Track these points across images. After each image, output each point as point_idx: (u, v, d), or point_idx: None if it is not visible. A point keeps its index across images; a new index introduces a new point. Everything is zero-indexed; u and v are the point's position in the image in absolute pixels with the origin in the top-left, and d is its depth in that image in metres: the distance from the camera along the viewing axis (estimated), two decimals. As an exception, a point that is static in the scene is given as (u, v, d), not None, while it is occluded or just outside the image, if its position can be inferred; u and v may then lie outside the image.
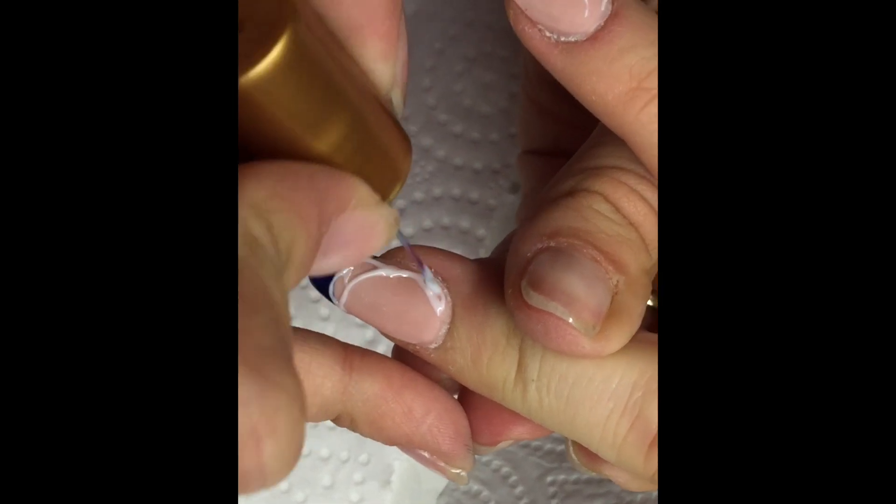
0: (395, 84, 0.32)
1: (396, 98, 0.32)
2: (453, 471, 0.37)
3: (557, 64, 0.33)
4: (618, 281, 0.33)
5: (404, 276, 0.35)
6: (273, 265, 0.26)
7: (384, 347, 0.46)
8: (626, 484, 0.37)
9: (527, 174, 0.47)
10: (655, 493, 0.49)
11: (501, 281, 0.35)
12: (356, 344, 0.37)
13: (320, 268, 0.30)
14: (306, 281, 0.32)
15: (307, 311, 0.54)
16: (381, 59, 0.31)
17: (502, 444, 0.38)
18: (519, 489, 0.52)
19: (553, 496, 0.51)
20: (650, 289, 0.35)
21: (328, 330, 0.53)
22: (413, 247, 0.36)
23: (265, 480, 0.24)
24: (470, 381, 0.36)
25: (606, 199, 0.34)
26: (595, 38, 0.32)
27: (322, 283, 0.35)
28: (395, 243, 0.34)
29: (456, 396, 0.38)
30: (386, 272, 0.35)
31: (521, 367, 0.35)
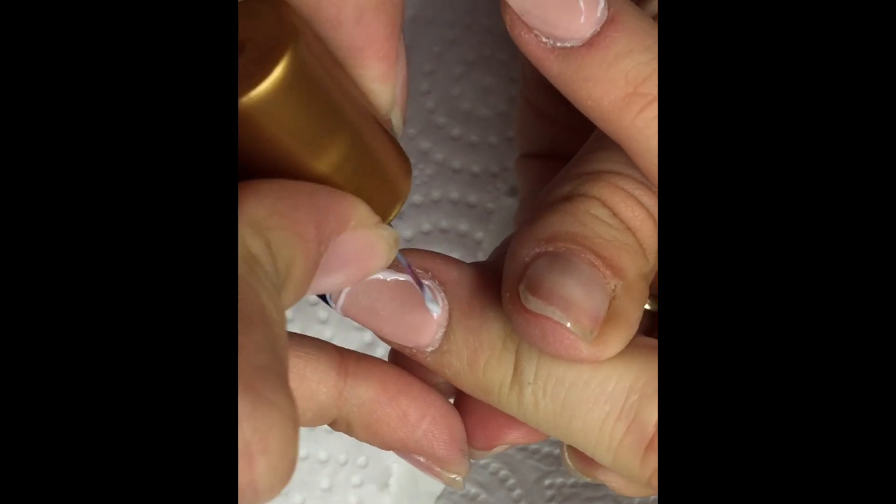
0: (395, 105, 0.32)
1: (396, 119, 0.33)
2: (449, 475, 0.37)
3: (553, 69, 0.33)
4: (615, 286, 0.33)
5: (401, 279, 0.35)
6: (271, 283, 0.27)
7: (382, 350, 0.46)
8: (621, 489, 0.37)
9: (525, 177, 0.47)
10: (652, 498, 0.49)
11: (499, 285, 0.35)
12: (354, 347, 0.37)
13: (320, 286, 0.30)
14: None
15: (305, 314, 0.54)
16: (381, 80, 0.31)
17: (498, 449, 0.38)
18: (517, 492, 0.52)
19: (551, 499, 0.51)
20: (647, 293, 0.35)
21: (326, 333, 0.53)
22: (411, 251, 0.36)
23: (258, 497, 0.24)
24: (466, 385, 0.36)
25: (604, 204, 0.34)
26: (591, 43, 0.32)
27: (319, 287, 0.35)
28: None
29: (452, 401, 0.38)
30: (383, 275, 0.35)
31: (517, 370, 0.35)
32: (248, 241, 0.27)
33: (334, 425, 0.37)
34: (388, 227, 0.31)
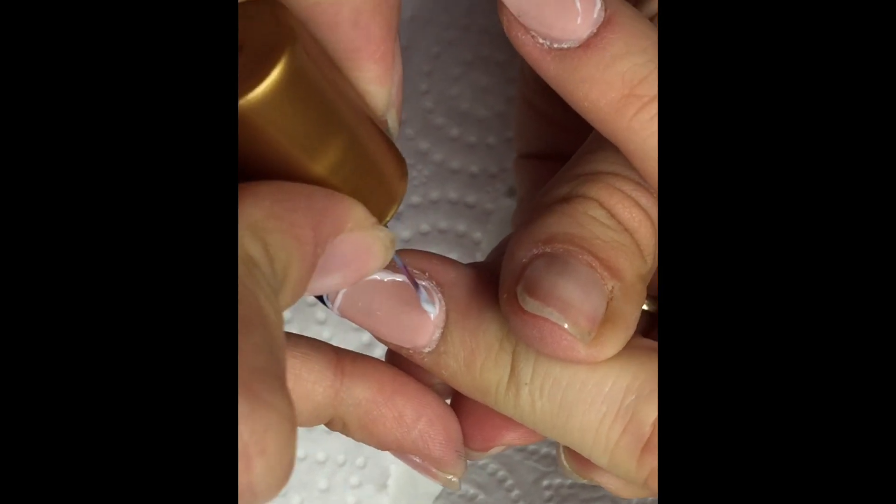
0: (391, 106, 0.32)
1: (392, 120, 0.33)
2: (445, 476, 0.37)
3: (550, 70, 0.33)
4: (613, 287, 0.33)
5: (398, 279, 0.35)
6: (269, 285, 0.27)
7: (380, 351, 0.46)
8: (617, 490, 0.37)
9: (523, 178, 0.47)
10: (649, 500, 0.49)
11: (496, 286, 0.35)
12: (353, 347, 0.37)
13: (317, 288, 0.30)
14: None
15: (304, 314, 0.54)
16: (377, 82, 0.31)
17: (494, 450, 0.38)
18: (515, 493, 0.52)
19: (549, 500, 0.51)
20: (645, 295, 0.35)
21: (325, 333, 0.53)
22: (408, 252, 0.36)
23: (256, 498, 0.24)
24: (463, 386, 0.36)
25: (602, 205, 0.34)
26: (588, 44, 0.32)
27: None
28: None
29: (448, 402, 0.38)
30: (380, 276, 0.35)
31: (513, 371, 0.35)
32: (246, 243, 0.27)
33: (330, 425, 0.37)
34: (384, 228, 0.31)
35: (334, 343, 0.37)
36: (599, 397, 0.34)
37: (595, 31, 0.32)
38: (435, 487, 0.53)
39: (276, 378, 0.25)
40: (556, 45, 0.33)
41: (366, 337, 0.53)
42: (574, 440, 0.35)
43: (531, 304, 0.33)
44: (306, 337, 0.36)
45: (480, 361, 0.35)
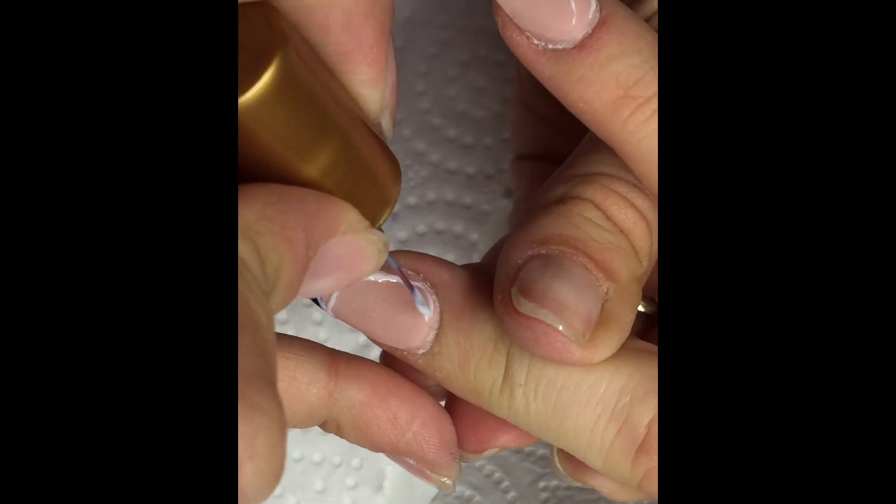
0: (385, 108, 0.32)
1: (385, 123, 0.33)
2: (439, 478, 0.37)
3: (545, 71, 0.33)
4: (608, 288, 0.33)
5: (393, 281, 0.35)
6: (260, 287, 0.27)
7: (377, 353, 0.46)
8: (611, 494, 0.37)
9: (519, 179, 0.47)
10: (644, 503, 0.49)
11: (490, 287, 0.35)
12: (349, 348, 0.37)
13: (309, 291, 0.30)
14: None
15: (300, 315, 0.54)
16: (370, 84, 0.31)
17: (489, 452, 0.38)
18: (511, 494, 0.52)
19: (545, 502, 0.51)
20: (640, 296, 0.35)
21: (321, 334, 0.53)
22: (403, 253, 0.36)
23: (246, 502, 0.24)
24: (457, 388, 0.36)
25: (597, 207, 0.34)
26: (582, 45, 0.32)
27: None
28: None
29: (443, 403, 0.38)
30: (374, 277, 0.35)
31: (508, 372, 0.35)
32: (238, 245, 0.27)
33: (324, 426, 0.37)
34: (377, 231, 0.31)
35: (331, 344, 0.37)
36: (594, 399, 0.34)
37: (590, 31, 0.32)
38: (431, 489, 0.53)
39: (267, 381, 0.25)
40: (550, 46, 0.33)
41: (362, 338, 0.53)
42: (568, 442, 0.35)
43: (525, 306, 0.33)
44: (300, 338, 0.36)
45: (475, 363, 0.35)
